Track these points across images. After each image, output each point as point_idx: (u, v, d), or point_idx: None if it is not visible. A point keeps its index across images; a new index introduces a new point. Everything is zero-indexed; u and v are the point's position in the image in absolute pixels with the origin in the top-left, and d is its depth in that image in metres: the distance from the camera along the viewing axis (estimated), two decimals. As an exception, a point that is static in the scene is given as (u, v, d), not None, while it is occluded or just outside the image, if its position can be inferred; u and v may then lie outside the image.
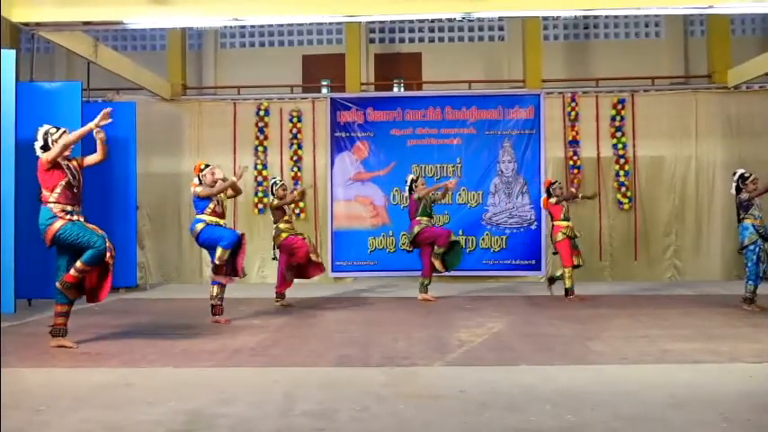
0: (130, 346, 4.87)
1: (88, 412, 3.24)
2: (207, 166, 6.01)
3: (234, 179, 5.85)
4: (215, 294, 5.87)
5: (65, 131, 4.76)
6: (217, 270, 5.75)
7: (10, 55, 5.96)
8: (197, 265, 9.41)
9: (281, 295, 6.96)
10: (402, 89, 10.24)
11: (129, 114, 8.29)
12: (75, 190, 4.70)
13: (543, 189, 7.71)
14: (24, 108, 6.21)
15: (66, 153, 4.69)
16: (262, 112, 9.61)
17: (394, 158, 9.38)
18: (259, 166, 9.58)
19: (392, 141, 9.39)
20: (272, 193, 7.02)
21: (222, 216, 5.89)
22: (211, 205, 5.86)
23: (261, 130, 9.61)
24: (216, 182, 5.84)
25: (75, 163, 4.85)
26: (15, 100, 5.93)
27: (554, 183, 7.52)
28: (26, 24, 6.74)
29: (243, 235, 5.89)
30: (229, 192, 5.99)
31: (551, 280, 7.48)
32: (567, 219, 7.31)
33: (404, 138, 9.41)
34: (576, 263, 7.23)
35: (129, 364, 4.25)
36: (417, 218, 7.32)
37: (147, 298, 7.94)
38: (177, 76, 9.88)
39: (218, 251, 5.69)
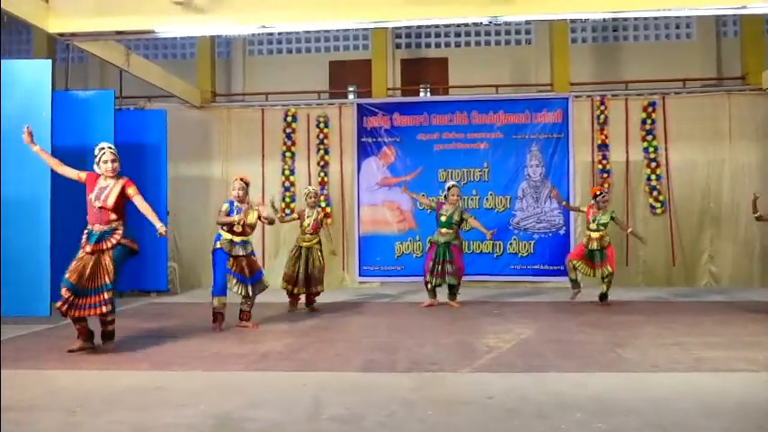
0: (161, 348, 4.93)
1: (119, 414, 3.29)
2: (234, 181, 6.02)
3: (237, 218, 5.66)
4: (250, 303, 5.92)
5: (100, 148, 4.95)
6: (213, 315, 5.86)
7: (46, 65, 6.13)
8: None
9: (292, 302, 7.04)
10: (428, 94, 10.22)
11: (160, 122, 8.46)
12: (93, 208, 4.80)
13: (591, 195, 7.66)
14: (59, 116, 6.37)
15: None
16: (289, 118, 9.70)
17: (420, 163, 9.38)
18: (286, 172, 9.66)
19: (419, 146, 9.39)
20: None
21: (241, 234, 5.83)
22: None
23: (288, 136, 9.69)
24: (227, 213, 5.87)
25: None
26: (51, 108, 6.07)
27: (599, 194, 7.42)
28: (61, 35, 6.91)
29: (259, 279, 5.89)
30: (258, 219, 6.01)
31: (602, 296, 7.28)
32: (592, 229, 7.28)
33: (430, 143, 9.39)
34: (571, 261, 7.26)
35: (160, 367, 4.30)
36: (438, 228, 7.33)
37: (177, 302, 8.04)
38: (206, 84, 10.04)
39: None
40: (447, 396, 3.59)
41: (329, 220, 7.14)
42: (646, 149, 9.26)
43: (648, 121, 9.28)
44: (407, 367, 4.24)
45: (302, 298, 7.06)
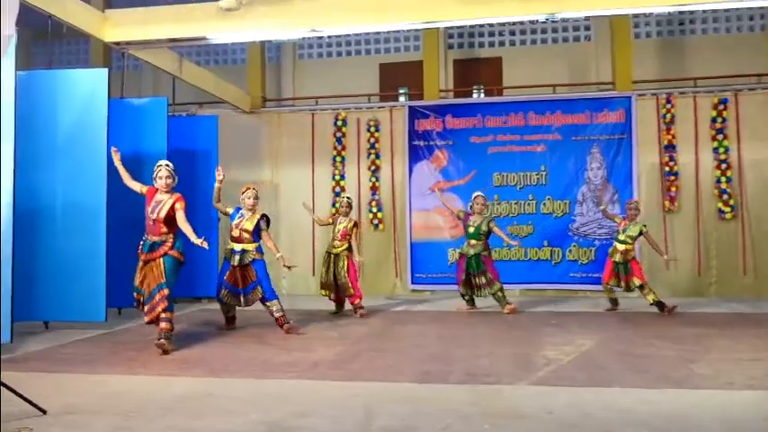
0: (212, 355, 5.03)
1: (172, 419, 3.37)
2: (247, 189, 6.18)
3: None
4: (275, 309, 5.97)
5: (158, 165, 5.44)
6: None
7: (102, 74, 6.34)
8: (275, 275, 9.64)
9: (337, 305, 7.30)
10: (482, 95, 10.14)
11: (211, 128, 8.63)
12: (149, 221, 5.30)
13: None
14: (115, 123, 6.56)
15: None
16: (339, 122, 9.77)
17: (474, 167, 9.30)
18: (336, 177, 9.73)
19: (472, 149, 9.31)
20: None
21: (239, 240, 5.98)
22: (231, 227, 6.10)
23: (338, 140, 9.77)
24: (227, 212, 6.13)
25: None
26: (107, 116, 6.28)
27: (630, 204, 7.44)
28: (117, 44, 7.19)
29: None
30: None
31: (660, 304, 7.10)
32: (619, 240, 7.25)
33: (484, 145, 9.29)
34: (608, 283, 7.32)
35: (212, 374, 4.38)
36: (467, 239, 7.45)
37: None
38: (257, 89, 10.22)
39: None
40: (504, 410, 3.52)
41: (356, 230, 7.24)
42: (716, 150, 8.89)
43: (719, 120, 8.90)
44: (462, 379, 4.18)
45: (347, 302, 7.26)
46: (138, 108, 7.41)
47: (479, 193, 7.60)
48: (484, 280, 7.29)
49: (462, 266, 7.41)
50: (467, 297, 7.51)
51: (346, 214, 7.31)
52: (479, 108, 9.42)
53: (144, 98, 7.84)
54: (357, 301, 7.10)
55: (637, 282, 7.16)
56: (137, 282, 5.25)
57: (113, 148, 5.53)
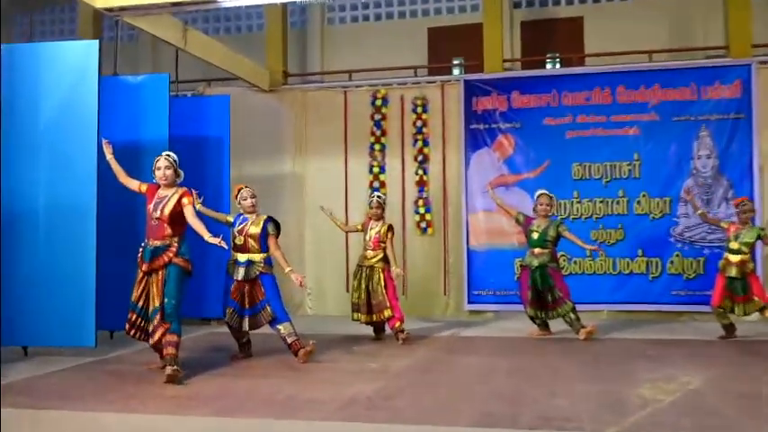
0: (224, 389, 5.09)
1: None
2: (240, 190, 6.34)
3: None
4: (286, 333, 6.06)
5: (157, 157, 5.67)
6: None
7: (92, 46, 6.41)
8: (300, 293, 9.74)
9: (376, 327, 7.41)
10: (558, 66, 10.04)
11: (221, 110, 8.73)
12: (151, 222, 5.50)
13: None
14: (107, 105, 6.67)
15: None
16: (379, 102, 9.80)
17: (547, 156, 9.24)
18: (375, 170, 9.78)
19: (545, 134, 9.25)
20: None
21: (243, 249, 6.12)
22: (231, 235, 6.22)
23: (378, 124, 9.80)
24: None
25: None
26: (98, 96, 6.35)
27: (740, 204, 7.32)
28: (109, 10, 7.32)
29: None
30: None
31: None
32: (732, 250, 7.11)
33: (561, 129, 9.23)
34: (720, 306, 7.16)
35: (223, 413, 4.43)
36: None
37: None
38: (277, 62, 10.33)
39: None
40: (588, 464, 3.47)
41: (391, 235, 7.30)
42: None
43: None
44: (534, 423, 4.14)
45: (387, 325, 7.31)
46: (134, 87, 7.54)
47: (544, 191, 7.63)
48: (551, 298, 7.30)
49: (526, 282, 7.44)
50: (538, 320, 7.50)
51: (378, 217, 7.37)
52: (555, 82, 9.34)
53: (141, 75, 7.98)
54: (397, 323, 7.11)
55: (758, 303, 7.00)
56: (134, 296, 5.39)
57: (105, 141, 5.67)
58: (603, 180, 9.06)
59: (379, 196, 7.48)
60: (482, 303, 9.36)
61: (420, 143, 9.69)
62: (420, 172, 9.68)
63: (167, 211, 5.33)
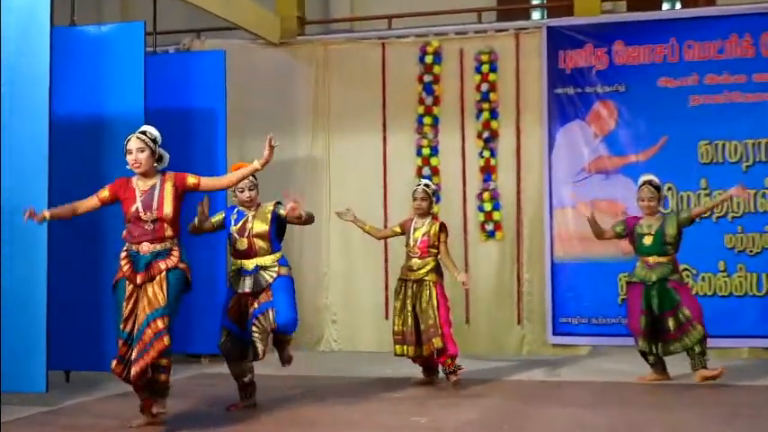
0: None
1: None
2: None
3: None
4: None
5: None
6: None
7: (40, -11, 6.44)
8: (318, 318, 9.65)
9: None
10: (678, 5, 9.83)
11: (215, 71, 8.71)
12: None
13: None
14: (62, 64, 6.66)
15: None
16: (429, 58, 9.73)
17: (664, 131, 9.13)
18: (425, 151, 9.74)
19: (660, 100, 9.15)
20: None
21: (250, 254, 6.13)
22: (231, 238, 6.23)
23: (428, 89, 9.72)
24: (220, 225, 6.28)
25: None
26: (50, 53, 6.33)
27: None
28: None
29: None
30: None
31: None
32: None
33: (682, 93, 9.10)
34: None
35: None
36: None
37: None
38: (291, 5, 10.28)
39: None
40: None
41: (445, 237, 7.24)
42: None
43: None
44: None
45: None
46: (98, 41, 7.51)
47: (649, 177, 7.45)
48: (673, 324, 7.13)
49: (638, 304, 7.29)
50: (651, 358, 7.36)
51: (424, 212, 7.30)
52: (673, 27, 9.21)
53: (107, 25, 7.96)
54: (447, 360, 7.04)
55: None
56: (122, 323, 5.36)
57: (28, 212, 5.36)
58: (743, 164, 8.90)
59: (426, 184, 7.43)
60: (572, 335, 9.30)
61: (486, 115, 9.59)
62: (486, 154, 9.59)
63: (169, 206, 5.43)
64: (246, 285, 6.03)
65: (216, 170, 8.53)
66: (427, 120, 9.71)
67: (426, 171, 9.63)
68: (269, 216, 6.18)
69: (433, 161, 9.68)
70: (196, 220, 5.97)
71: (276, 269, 6.09)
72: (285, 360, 6.22)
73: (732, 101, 8.96)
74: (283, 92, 10.12)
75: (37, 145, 6.21)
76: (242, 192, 6.16)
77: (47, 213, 5.42)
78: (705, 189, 8.94)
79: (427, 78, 9.72)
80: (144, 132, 5.54)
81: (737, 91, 8.95)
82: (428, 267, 7.17)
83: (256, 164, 5.61)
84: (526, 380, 7.68)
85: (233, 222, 6.17)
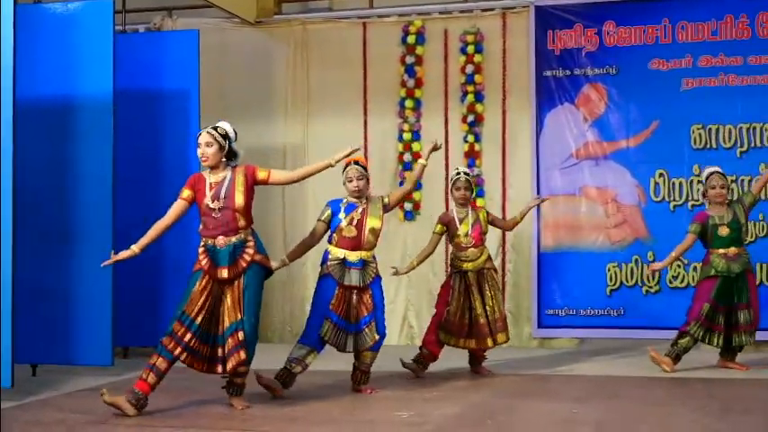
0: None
1: None
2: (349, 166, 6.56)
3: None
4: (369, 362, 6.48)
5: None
6: None
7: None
8: (303, 311, 9.63)
9: (421, 359, 7.42)
10: (671, -16, 9.84)
11: (188, 51, 8.63)
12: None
13: None
14: (27, 45, 6.64)
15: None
16: (412, 38, 9.71)
17: (656, 115, 9.15)
18: (406, 136, 9.73)
19: (652, 83, 9.16)
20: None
21: (357, 244, 6.37)
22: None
23: (410, 71, 9.70)
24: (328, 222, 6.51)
25: None
26: (14, 32, 6.28)
27: None
28: None
29: None
30: None
31: None
32: None
33: (675, 75, 9.12)
34: None
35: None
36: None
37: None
38: (267, -17, 10.25)
39: None
40: None
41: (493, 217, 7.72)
42: None
43: None
44: None
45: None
46: (64, 19, 7.48)
47: (715, 168, 7.52)
48: (744, 318, 7.29)
49: (708, 293, 7.35)
50: (684, 343, 7.42)
51: (465, 201, 7.39)
52: (666, 7, 9.20)
53: (74, 2, 7.89)
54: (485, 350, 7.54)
55: None
56: (188, 307, 5.62)
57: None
58: (737, 149, 8.91)
59: (466, 173, 7.52)
60: (559, 327, 9.32)
61: (471, 97, 9.58)
62: (470, 138, 9.58)
63: (241, 197, 5.67)
64: (353, 279, 6.30)
65: (189, 154, 8.49)
66: (409, 103, 9.69)
67: (408, 157, 9.62)
68: (381, 212, 6.47)
69: (415, 146, 9.65)
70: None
71: (375, 267, 6.46)
72: (357, 381, 6.62)
73: (727, 84, 8.98)
74: (259, 73, 10.12)
75: (1, 128, 6.16)
76: (350, 182, 6.40)
77: (136, 249, 5.67)
78: (698, 175, 8.87)
79: (409, 60, 9.69)
80: (215, 128, 5.83)
81: (732, 74, 8.96)
82: (485, 255, 7.37)
83: (330, 160, 6.00)
84: (512, 374, 7.69)
85: (342, 211, 6.38)
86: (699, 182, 8.88)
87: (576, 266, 9.27)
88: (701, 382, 7.06)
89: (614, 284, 9.10)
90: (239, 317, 5.60)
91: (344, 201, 6.41)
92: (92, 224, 7.01)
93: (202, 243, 5.73)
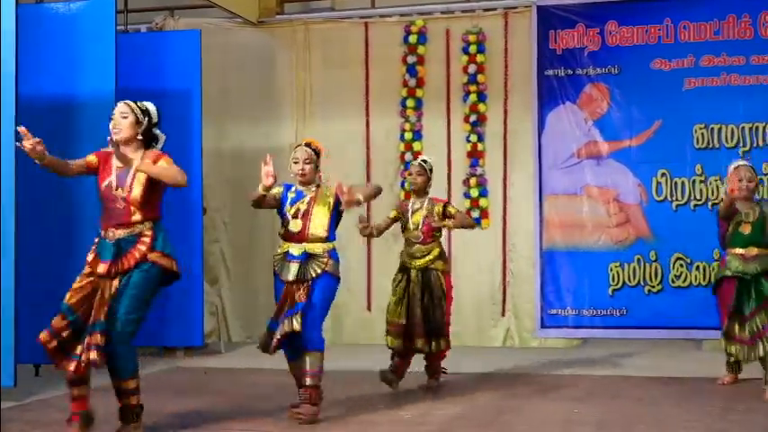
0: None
1: None
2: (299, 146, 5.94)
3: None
4: (315, 368, 5.63)
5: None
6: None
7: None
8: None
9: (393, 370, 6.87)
10: (673, -17, 9.83)
11: (190, 51, 8.70)
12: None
13: None
14: (29, 45, 6.63)
15: None
16: (414, 38, 9.72)
17: (658, 115, 9.13)
18: (407, 136, 9.74)
19: (654, 83, 9.14)
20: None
21: (300, 236, 5.72)
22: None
23: (412, 71, 9.71)
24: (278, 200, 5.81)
25: None
26: (16, 32, 6.32)
27: None
28: None
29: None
30: None
31: None
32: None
33: (677, 75, 9.09)
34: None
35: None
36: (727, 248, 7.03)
37: (221, 367, 8.26)
38: (270, -17, 10.26)
39: None
40: None
41: (450, 222, 6.95)
42: None
43: None
44: None
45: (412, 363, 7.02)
46: (66, 19, 7.50)
47: (741, 162, 7.16)
48: (761, 321, 6.76)
49: (730, 297, 6.91)
50: (735, 354, 6.94)
51: (420, 190, 6.98)
52: (668, 7, 9.17)
53: (76, 2, 7.90)
54: (443, 359, 7.00)
55: None
56: (69, 297, 5.03)
57: (21, 130, 4.97)
58: (740, 149, 8.85)
59: (423, 161, 7.08)
60: (561, 327, 9.31)
61: (473, 97, 9.58)
62: (473, 138, 9.58)
63: (138, 188, 5.04)
64: (291, 273, 5.64)
65: (191, 154, 8.53)
66: (410, 103, 9.70)
67: (409, 156, 9.56)
68: (331, 201, 5.77)
69: (416, 146, 9.65)
70: (261, 187, 5.55)
71: (325, 260, 5.70)
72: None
73: (729, 83, 8.94)
74: (262, 73, 10.12)
75: (3, 128, 6.18)
76: (296, 163, 5.79)
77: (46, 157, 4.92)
78: (700, 175, 8.94)
79: (411, 59, 9.70)
80: (128, 103, 5.22)
81: (735, 73, 8.93)
82: (434, 254, 6.88)
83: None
84: (514, 374, 7.72)
85: (288, 201, 5.78)
86: (701, 181, 8.93)
87: (578, 266, 9.25)
88: (705, 382, 7.07)
89: (617, 284, 9.07)
90: (101, 318, 4.88)
91: (294, 187, 5.81)
92: (94, 223, 6.99)
93: (99, 235, 5.16)
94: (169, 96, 8.51)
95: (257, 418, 5.89)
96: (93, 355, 4.85)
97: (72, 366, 4.94)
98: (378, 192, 6.16)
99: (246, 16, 9.97)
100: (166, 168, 5.10)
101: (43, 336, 4.96)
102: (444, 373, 7.03)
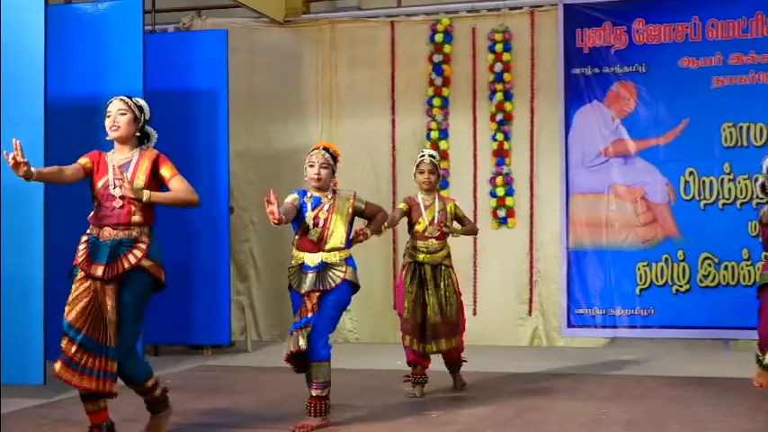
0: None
1: None
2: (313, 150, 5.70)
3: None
4: (320, 379, 5.48)
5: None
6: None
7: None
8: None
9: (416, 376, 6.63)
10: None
11: (216, 51, 8.73)
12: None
13: None
14: (57, 45, 6.67)
15: None
16: (440, 37, 9.69)
17: (685, 113, 9.08)
18: (434, 135, 9.71)
19: (682, 81, 9.10)
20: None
21: (318, 245, 5.52)
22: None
23: (438, 69, 9.69)
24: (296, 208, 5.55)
25: None
26: (45, 32, 6.35)
27: None
28: None
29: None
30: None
31: None
32: None
33: (704, 73, 9.05)
34: None
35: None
36: None
37: (248, 365, 8.28)
38: (296, -17, 10.27)
39: None
40: None
41: (459, 228, 6.78)
42: None
43: None
44: None
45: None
46: (94, 19, 7.54)
47: None
48: None
49: None
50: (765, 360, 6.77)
51: (430, 187, 6.73)
52: (695, 5, 9.13)
53: (104, 2, 7.95)
54: (459, 354, 6.75)
55: None
56: (70, 314, 4.85)
57: (16, 143, 4.57)
58: (772, 150, 8.80)
59: (432, 155, 6.86)
60: (588, 327, 9.29)
61: (499, 96, 9.56)
62: (499, 137, 9.55)
63: (140, 184, 4.91)
64: (306, 285, 5.45)
65: (218, 154, 8.57)
66: (436, 101, 9.67)
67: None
68: (349, 210, 5.59)
69: (442, 144, 9.62)
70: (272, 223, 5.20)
71: (343, 269, 5.49)
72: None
73: (758, 82, 8.90)
74: (288, 73, 10.13)
75: (32, 128, 6.21)
76: (311, 167, 5.55)
77: (34, 170, 4.66)
78: (729, 174, 8.90)
79: (437, 58, 9.67)
80: (124, 98, 5.08)
81: (763, 71, 8.89)
82: (446, 251, 6.65)
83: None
84: (540, 373, 7.69)
85: (309, 207, 5.53)
86: (730, 180, 8.88)
87: (606, 265, 9.24)
88: (731, 382, 7.02)
89: (644, 284, 9.05)
90: (112, 345, 4.80)
91: (308, 194, 5.55)
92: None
93: (87, 232, 4.99)
94: (196, 96, 8.60)
95: (283, 417, 5.87)
96: (109, 385, 4.84)
97: (93, 385, 4.81)
98: (385, 222, 5.99)
99: (273, 16, 9.98)
100: (177, 192, 5.03)
101: (59, 367, 4.82)
102: (464, 362, 6.81)
